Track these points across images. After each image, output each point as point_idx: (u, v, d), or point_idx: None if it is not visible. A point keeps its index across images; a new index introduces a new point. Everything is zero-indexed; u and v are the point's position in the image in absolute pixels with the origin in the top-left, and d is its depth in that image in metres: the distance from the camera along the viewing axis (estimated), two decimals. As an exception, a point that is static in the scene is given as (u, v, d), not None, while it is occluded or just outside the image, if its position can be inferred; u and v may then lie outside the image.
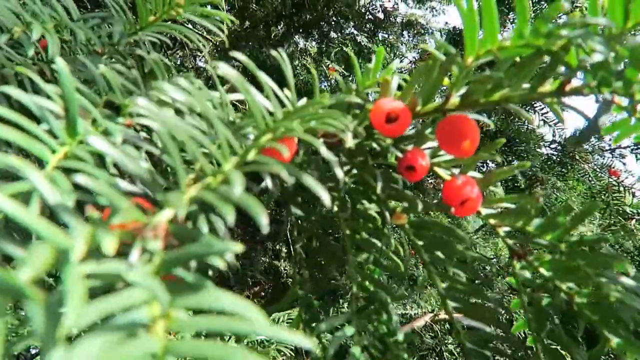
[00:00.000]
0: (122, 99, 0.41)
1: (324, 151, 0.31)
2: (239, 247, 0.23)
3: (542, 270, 0.45)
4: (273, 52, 0.42)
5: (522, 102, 0.42)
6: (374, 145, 0.51)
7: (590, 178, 2.66)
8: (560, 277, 0.44)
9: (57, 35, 0.57)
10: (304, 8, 2.91)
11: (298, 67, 2.85)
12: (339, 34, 3.20)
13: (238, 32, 2.84)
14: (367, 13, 3.17)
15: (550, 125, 2.49)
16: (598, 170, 2.65)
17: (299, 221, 0.58)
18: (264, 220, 0.24)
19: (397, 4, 3.45)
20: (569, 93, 0.39)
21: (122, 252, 0.24)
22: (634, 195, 2.56)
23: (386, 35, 3.31)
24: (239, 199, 0.24)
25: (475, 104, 0.43)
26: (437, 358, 2.93)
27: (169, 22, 0.54)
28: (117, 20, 0.53)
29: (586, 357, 0.42)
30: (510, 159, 2.60)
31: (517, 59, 0.40)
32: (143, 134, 0.46)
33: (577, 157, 2.56)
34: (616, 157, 2.65)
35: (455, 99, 0.44)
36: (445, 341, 2.91)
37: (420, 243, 0.50)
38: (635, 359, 0.41)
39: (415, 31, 3.48)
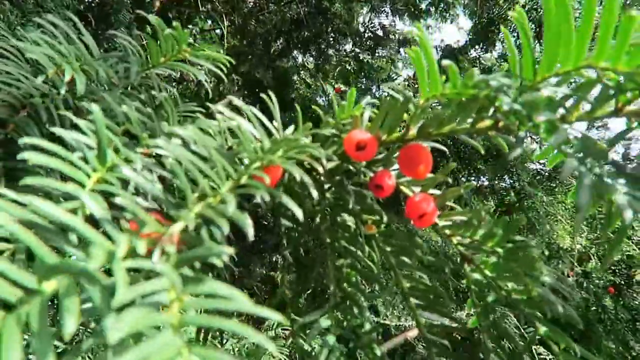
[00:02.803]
0: (139, 131, 0.51)
1: (299, 176, 0.40)
2: (231, 250, 0.32)
3: (487, 272, 0.54)
4: (263, 96, 0.52)
5: (466, 134, 0.52)
6: (350, 167, 0.60)
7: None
8: (501, 277, 0.53)
9: (81, 69, 0.66)
10: (303, 25, 3.03)
11: (296, 82, 2.96)
12: (337, 51, 3.31)
13: (238, 48, 2.95)
14: (366, 31, 3.29)
15: (537, 142, 2.59)
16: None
17: (288, 231, 0.68)
18: (250, 231, 0.34)
19: (394, 21, 3.57)
20: (501, 129, 0.49)
21: (146, 255, 0.34)
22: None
23: (385, 52, 3.43)
24: (232, 214, 0.34)
25: (429, 135, 0.53)
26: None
27: (177, 62, 0.64)
28: (134, 60, 0.63)
29: (520, 344, 0.51)
30: (500, 173, 2.70)
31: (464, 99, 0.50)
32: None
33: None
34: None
35: (413, 131, 0.53)
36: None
37: (388, 249, 0.59)
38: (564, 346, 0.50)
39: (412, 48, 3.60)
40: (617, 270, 3.75)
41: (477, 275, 0.56)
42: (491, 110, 0.49)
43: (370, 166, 0.59)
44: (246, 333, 0.29)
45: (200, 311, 0.32)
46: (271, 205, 0.66)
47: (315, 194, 0.46)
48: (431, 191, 0.58)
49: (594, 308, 3.91)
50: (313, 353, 0.62)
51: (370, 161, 0.59)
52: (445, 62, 0.41)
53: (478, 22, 3.16)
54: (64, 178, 0.51)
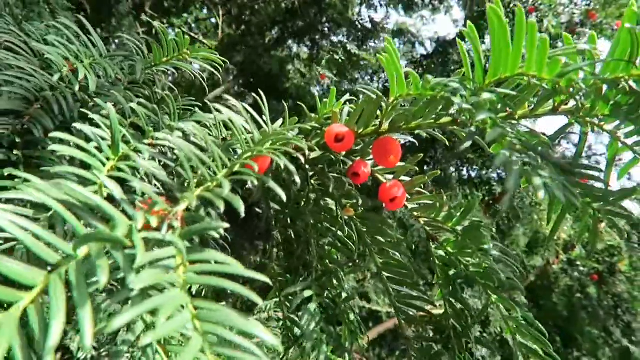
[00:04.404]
0: (145, 125, 0.58)
1: (283, 164, 0.48)
2: (225, 225, 0.40)
3: (448, 248, 0.62)
4: (255, 95, 0.59)
5: (430, 129, 0.59)
6: (332, 157, 0.68)
7: None
8: (460, 253, 0.61)
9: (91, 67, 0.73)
10: (297, 15, 3.08)
11: (291, 72, 3.02)
12: (330, 41, 3.37)
13: (233, 37, 3.00)
14: (357, 23, 3.35)
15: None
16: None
17: (277, 214, 0.75)
18: (241, 208, 0.41)
19: (388, 12, 3.63)
20: (460, 124, 0.56)
21: (155, 229, 0.41)
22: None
23: (374, 45, 3.49)
24: (227, 196, 0.41)
25: (400, 129, 0.60)
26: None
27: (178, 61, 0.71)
28: (139, 60, 0.70)
29: (472, 310, 0.59)
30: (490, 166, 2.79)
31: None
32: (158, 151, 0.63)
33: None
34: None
35: (385, 125, 0.61)
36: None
37: (364, 229, 0.67)
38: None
39: (406, 39, 3.66)
40: (600, 259, 3.89)
41: (440, 252, 0.64)
42: (452, 109, 0.56)
43: (349, 156, 0.67)
44: (240, 290, 0.36)
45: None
46: (262, 191, 0.74)
47: (298, 180, 0.53)
48: (402, 178, 0.66)
49: (578, 295, 4.07)
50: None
51: (348, 152, 0.67)
52: (407, 70, 0.49)
53: (469, 15, 3.22)
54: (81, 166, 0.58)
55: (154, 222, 0.38)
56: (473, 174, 3.42)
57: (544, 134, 0.57)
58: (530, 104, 0.55)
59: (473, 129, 0.52)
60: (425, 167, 3.33)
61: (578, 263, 4.16)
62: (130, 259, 0.36)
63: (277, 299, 0.79)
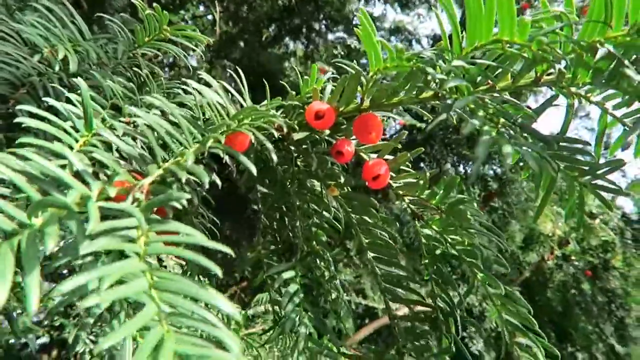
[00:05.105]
0: (123, 104, 0.58)
1: (253, 138, 0.47)
2: (187, 196, 0.39)
3: (434, 227, 0.61)
4: (231, 71, 0.58)
5: (412, 104, 0.58)
6: (317, 137, 0.67)
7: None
8: (445, 231, 0.60)
9: (74, 50, 0.73)
10: (294, 12, 3.06)
11: (287, 69, 3.00)
12: (326, 39, 3.35)
13: (230, 34, 3.00)
14: (354, 19, 3.32)
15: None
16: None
17: (263, 196, 0.75)
18: (205, 180, 0.41)
19: (385, 9, 3.60)
20: (440, 98, 0.55)
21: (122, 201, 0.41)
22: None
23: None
24: (190, 167, 0.40)
25: (381, 105, 0.59)
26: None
27: (161, 42, 0.70)
28: (121, 40, 0.69)
29: (457, 288, 0.58)
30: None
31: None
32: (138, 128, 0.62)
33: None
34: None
35: (366, 102, 0.60)
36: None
37: (350, 209, 0.66)
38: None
39: (403, 37, 3.64)
40: (594, 255, 3.87)
41: (426, 231, 0.63)
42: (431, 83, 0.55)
43: (332, 135, 0.66)
44: (199, 260, 0.35)
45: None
46: (246, 173, 0.73)
47: (274, 157, 0.52)
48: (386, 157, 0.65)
49: (572, 291, 4.04)
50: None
51: (333, 131, 0.65)
52: (380, 39, 0.47)
53: (463, 12, 3.20)
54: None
55: (112, 192, 0.38)
56: (469, 170, 3.39)
57: (528, 107, 0.55)
58: (512, 76, 0.53)
59: (450, 101, 0.50)
60: (422, 164, 3.30)
61: (572, 258, 4.14)
62: (84, 226, 0.35)
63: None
